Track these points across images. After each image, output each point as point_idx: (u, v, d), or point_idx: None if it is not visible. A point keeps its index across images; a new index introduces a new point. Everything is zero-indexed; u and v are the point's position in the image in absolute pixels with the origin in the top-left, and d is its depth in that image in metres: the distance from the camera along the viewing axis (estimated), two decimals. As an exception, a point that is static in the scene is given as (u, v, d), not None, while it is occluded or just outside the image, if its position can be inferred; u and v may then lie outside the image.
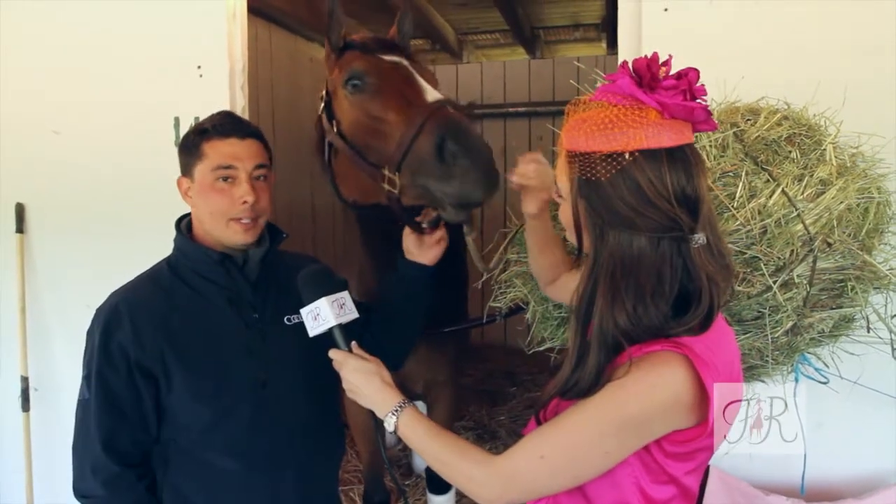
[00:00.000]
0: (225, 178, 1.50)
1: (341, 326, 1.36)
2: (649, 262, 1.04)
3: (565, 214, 1.14)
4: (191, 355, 1.48)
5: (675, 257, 1.04)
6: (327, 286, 1.39)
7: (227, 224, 1.51)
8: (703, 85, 1.06)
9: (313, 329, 1.37)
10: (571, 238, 1.15)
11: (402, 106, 1.72)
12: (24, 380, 2.79)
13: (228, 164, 1.50)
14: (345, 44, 1.96)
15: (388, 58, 1.87)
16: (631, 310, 1.04)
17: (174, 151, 1.61)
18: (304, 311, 1.38)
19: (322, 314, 1.35)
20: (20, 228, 2.77)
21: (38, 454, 2.81)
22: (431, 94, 1.76)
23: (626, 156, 1.01)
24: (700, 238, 1.04)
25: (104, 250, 2.63)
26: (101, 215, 2.65)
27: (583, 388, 1.08)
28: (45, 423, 2.82)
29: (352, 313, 1.39)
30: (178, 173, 1.59)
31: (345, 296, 1.39)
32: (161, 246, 1.64)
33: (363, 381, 1.29)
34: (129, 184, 2.58)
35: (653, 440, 1.05)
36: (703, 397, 1.02)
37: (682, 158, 1.04)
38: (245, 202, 1.49)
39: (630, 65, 1.06)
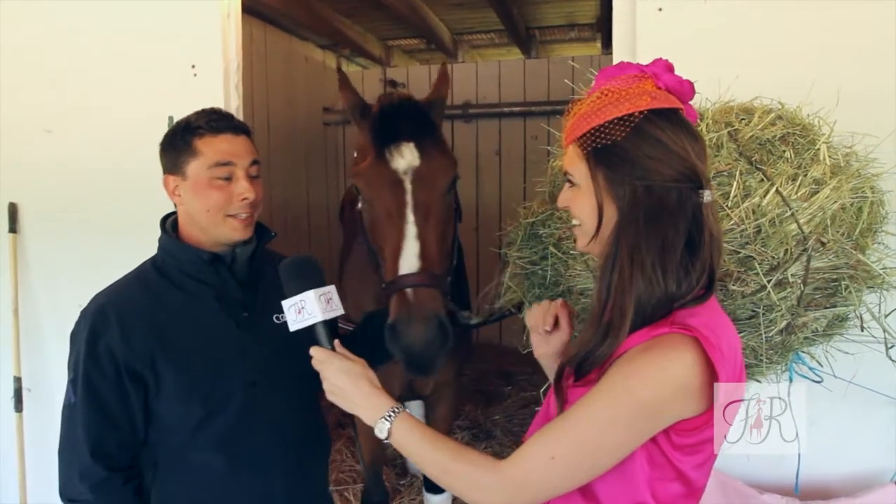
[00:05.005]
0: (224, 176, 1.48)
1: (325, 323, 1.29)
2: (668, 212, 1.06)
3: (579, 201, 1.13)
4: (181, 356, 1.46)
5: (689, 209, 1.07)
6: (314, 278, 1.31)
7: (225, 220, 1.49)
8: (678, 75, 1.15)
9: (295, 323, 1.29)
10: (584, 234, 1.14)
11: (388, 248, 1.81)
12: (17, 380, 2.78)
13: (227, 161, 1.48)
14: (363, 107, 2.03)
15: (392, 165, 1.83)
16: (650, 270, 1.04)
17: (169, 152, 1.60)
18: (286, 304, 1.30)
19: (308, 308, 1.27)
20: (13, 228, 2.75)
21: (31, 454, 2.79)
22: (406, 258, 1.76)
23: (637, 114, 1.07)
24: (708, 195, 1.09)
25: (98, 250, 2.62)
26: (95, 215, 2.64)
27: (597, 362, 1.07)
28: (38, 423, 2.80)
29: (338, 309, 1.31)
30: (172, 174, 1.57)
31: (332, 290, 1.31)
32: (155, 246, 1.62)
33: (349, 383, 1.22)
34: (123, 183, 2.57)
35: (662, 429, 1.04)
36: (711, 382, 1.01)
37: (685, 122, 1.11)
38: (245, 199, 1.48)
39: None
